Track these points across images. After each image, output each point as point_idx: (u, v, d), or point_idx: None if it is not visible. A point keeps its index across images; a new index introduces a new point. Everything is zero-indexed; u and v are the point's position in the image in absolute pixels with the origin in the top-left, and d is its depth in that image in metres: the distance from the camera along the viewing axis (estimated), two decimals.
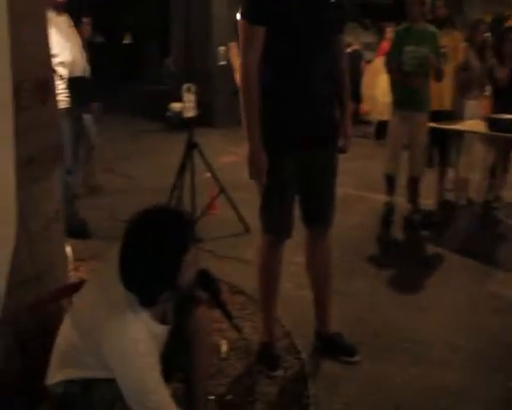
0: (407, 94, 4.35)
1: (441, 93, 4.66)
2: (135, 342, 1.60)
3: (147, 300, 1.66)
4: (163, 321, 1.79)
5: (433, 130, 4.52)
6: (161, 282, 1.64)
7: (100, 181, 5.42)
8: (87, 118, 4.69)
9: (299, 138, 2.43)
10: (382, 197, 4.85)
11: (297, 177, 2.49)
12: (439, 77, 4.36)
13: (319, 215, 2.63)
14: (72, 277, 2.87)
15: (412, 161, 4.47)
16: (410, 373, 2.67)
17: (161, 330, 1.76)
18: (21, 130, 2.14)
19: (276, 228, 2.53)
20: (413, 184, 4.56)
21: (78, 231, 3.95)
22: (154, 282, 1.63)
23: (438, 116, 4.53)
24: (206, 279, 1.85)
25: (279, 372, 2.63)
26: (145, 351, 1.61)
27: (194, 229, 1.79)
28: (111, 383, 1.67)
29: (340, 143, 2.59)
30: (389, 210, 4.69)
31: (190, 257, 1.66)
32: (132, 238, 1.65)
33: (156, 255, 1.61)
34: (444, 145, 4.82)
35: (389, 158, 4.62)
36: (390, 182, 4.65)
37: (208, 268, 1.87)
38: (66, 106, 3.90)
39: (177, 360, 2.00)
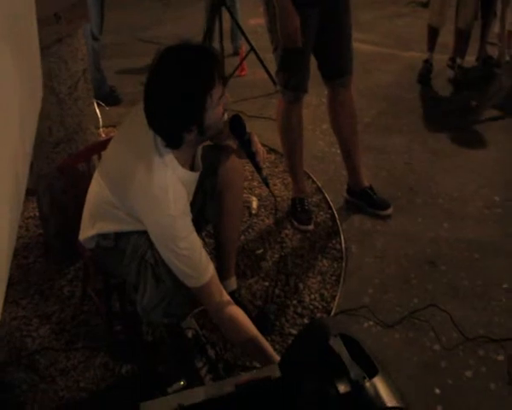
0: None
1: None
2: (164, 187, 1.58)
3: (172, 138, 1.59)
4: (192, 169, 1.76)
5: None
6: (186, 117, 1.56)
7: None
8: None
9: None
10: (416, 55, 4.59)
11: (315, 29, 2.40)
12: None
13: (339, 65, 2.56)
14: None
15: (462, 11, 4.13)
16: (444, 228, 2.67)
17: (190, 176, 1.73)
18: None
19: (295, 84, 2.50)
20: (460, 38, 4.26)
21: (107, 97, 3.93)
22: (179, 116, 1.55)
23: None
24: (237, 126, 1.77)
25: (310, 227, 2.66)
26: (174, 197, 1.59)
27: (222, 66, 1.66)
28: (142, 234, 1.68)
29: None
30: (428, 67, 4.44)
31: (217, 95, 1.57)
32: (156, 69, 1.56)
33: (179, 86, 1.52)
34: None
35: (436, 9, 4.27)
36: (433, 36, 4.35)
37: (240, 115, 1.79)
38: None
39: (208, 212, 2.01)
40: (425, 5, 5.79)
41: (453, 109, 3.93)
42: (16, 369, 1.98)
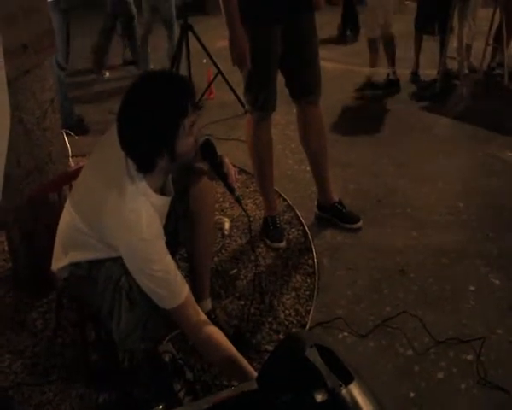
0: None
1: None
2: (136, 212, 1.59)
3: (144, 163, 1.61)
4: (163, 194, 1.77)
5: None
6: (158, 143, 1.58)
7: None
8: None
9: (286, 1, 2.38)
10: (379, 70, 4.74)
11: (281, 47, 2.46)
12: None
13: (307, 83, 2.61)
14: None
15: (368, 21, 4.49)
16: (412, 237, 2.74)
17: (162, 200, 1.74)
18: (11, 16, 2.06)
19: (262, 104, 2.55)
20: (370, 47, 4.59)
21: (75, 126, 3.93)
22: (150, 141, 1.57)
23: None
24: (208, 149, 1.80)
25: (283, 244, 2.70)
26: (147, 222, 1.60)
27: (194, 95, 1.70)
28: (116, 260, 1.68)
29: None
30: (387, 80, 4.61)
31: (189, 123, 1.60)
32: (130, 97, 1.59)
33: (152, 113, 1.55)
34: (446, 12, 4.60)
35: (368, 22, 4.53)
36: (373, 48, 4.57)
37: (211, 138, 1.81)
38: None
39: (180, 235, 2.03)
40: None
41: (415, 122, 4.06)
42: None
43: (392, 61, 4.59)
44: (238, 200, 1.82)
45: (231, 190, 1.81)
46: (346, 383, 1.30)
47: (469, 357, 2.03)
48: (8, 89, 1.74)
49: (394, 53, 4.55)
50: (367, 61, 4.76)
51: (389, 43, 4.52)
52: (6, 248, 2.57)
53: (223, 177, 1.81)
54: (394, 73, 4.61)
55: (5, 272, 2.58)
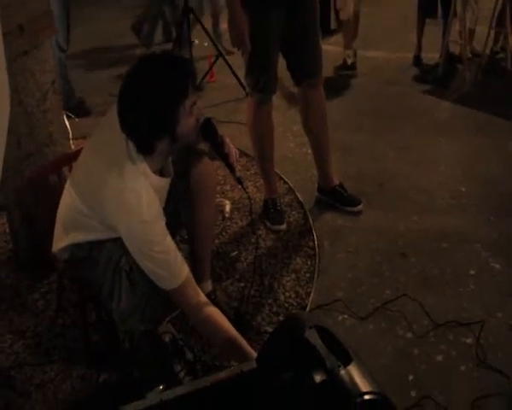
0: None
1: None
2: (136, 193, 1.59)
3: (144, 144, 1.61)
4: (163, 175, 1.77)
5: None
6: (158, 124, 1.58)
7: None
8: None
9: None
10: (381, 54, 4.70)
11: (281, 29, 2.44)
12: None
13: (308, 66, 2.60)
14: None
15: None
16: (413, 220, 2.73)
17: (161, 181, 1.74)
18: None
19: (263, 86, 2.54)
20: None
21: (76, 108, 3.91)
22: (150, 122, 1.57)
23: None
24: (209, 129, 1.77)
25: (283, 227, 2.70)
26: (148, 202, 1.60)
27: (195, 76, 1.70)
28: (116, 241, 1.68)
29: None
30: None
31: (189, 104, 1.60)
32: (130, 78, 1.59)
33: (152, 94, 1.55)
34: None
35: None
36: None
37: (212, 118, 1.79)
38: None
39: (181, 216, 2.03)
40: None
41: (417, 105, 4.04)
42: None
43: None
44: (239, 180, 1.81)
45: (232, 170, 1.80)
46: (345, 364, 1.31)
47: (469, 340, 2.04)
48: (7, 70, 1.73)
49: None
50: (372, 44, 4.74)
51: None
52: (7, 229, 2.57)
53: (224, 157, 1.79)
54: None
55: (6, 254, 2.58)
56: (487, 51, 4.71)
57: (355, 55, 4.60)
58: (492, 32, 4.71)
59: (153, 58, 1.64)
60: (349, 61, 4.58)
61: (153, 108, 1.56)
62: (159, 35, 5.38)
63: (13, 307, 2.29)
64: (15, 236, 2.46)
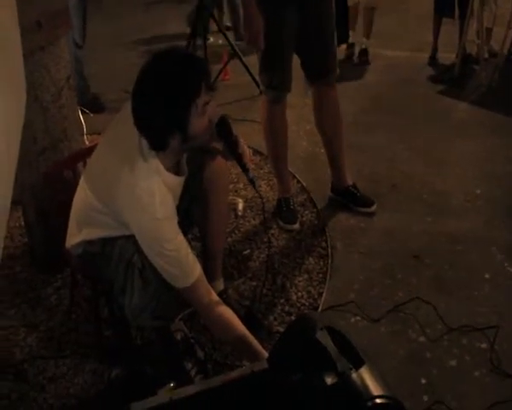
0: None
1: None
2: (150, 191, 1.59)
3: (156, 141, 1.61)
4: (177, 173, 1.77)
5: None
6: (170, 121, 1.58)
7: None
8: None
9: None
10: (398, 54, 4.65)
11: (297, 28, 2.43)
12: None
13: (323, 64, 2.58)
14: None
15: None
16: (427, 222, 2.71)
17: (175, 180, 1.74)
18: None
19: (277, 83, 2.53)
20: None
21: (90, 104, 3.94)
22: (162, 118, 1.57)
23: None
24: (223, 127, 1.77)
25: (296, 226, 2.69)
26: (161, 200, 1.60)
27: (208, 75, 1.69)
28: (129, 238, 1.69)
29: None
30: None
31: (202, 103, 1.60)
32: (144, 75, 1.59)
33: (164, 91, 1.55)
34: None
35: None
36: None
37: (227, 116, 1.79)
38: None
39: (194, 214, 2.03)
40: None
41: (433, 106, 4.00)
42: (5, 379, 1.97)
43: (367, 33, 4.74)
44: (252, 181, 1.80)
45: (246, 170, 1.79)
46: (357, 367, 1.30)
47: (483, 345, 2.01)
48: (24, 66, 1.74)
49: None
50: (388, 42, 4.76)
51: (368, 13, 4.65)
52: (22, 224, 2.60)
53: (237, 156, 1.79)
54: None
55: (21, 248, 2.60)
56: (505, 52, 4.66)
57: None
58: (510, 32, 4.65)
59: (166, 55, 1.63)
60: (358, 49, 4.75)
61: (164, 104, 1.56)
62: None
63: (27, 300, 2.31)
64: (30, 230, 2.48)
